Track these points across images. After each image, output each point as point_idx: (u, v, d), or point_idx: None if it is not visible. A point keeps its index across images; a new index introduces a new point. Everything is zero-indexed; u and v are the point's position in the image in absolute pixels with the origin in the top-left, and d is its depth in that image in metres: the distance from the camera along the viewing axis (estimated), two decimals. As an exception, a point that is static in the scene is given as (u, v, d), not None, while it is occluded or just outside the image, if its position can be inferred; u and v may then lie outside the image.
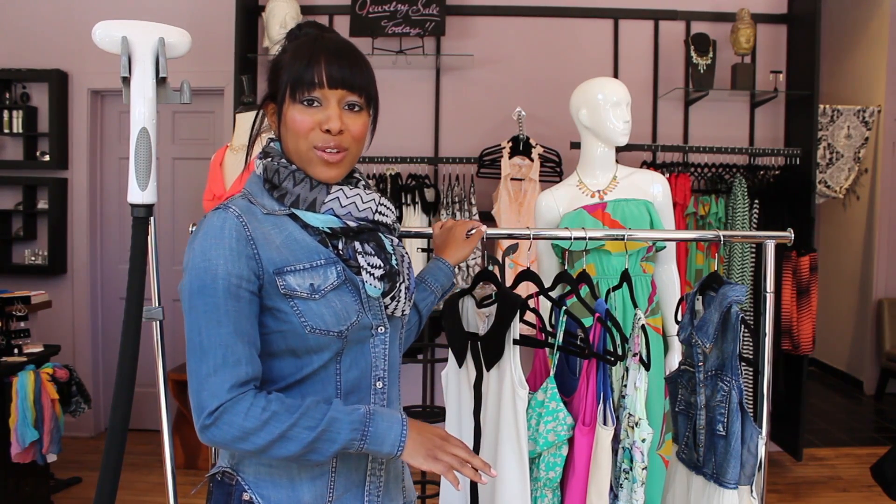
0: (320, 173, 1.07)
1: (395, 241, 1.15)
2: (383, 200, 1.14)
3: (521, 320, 1.65)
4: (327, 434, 0.98)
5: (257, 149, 1.16)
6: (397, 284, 1.11)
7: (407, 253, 1.18)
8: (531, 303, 1.59)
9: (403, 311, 1.14)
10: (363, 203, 1.09)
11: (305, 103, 1.05)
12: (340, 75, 1.05)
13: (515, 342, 1.46)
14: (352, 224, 1.08)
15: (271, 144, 1.12)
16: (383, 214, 1.12)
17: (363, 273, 1.07)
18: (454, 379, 1.58)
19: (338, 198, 1.07)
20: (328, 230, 1.07)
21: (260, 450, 0.97)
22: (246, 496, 1.05)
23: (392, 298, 1.11)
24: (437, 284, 1.41)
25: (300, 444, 0.98)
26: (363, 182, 1.17)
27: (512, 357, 1.45)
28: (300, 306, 1.02)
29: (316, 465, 1.06)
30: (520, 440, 1.43)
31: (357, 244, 1.08)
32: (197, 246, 1.00)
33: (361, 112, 1.09)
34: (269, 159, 1.09)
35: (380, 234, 1.12)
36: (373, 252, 1.09)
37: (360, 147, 1.10)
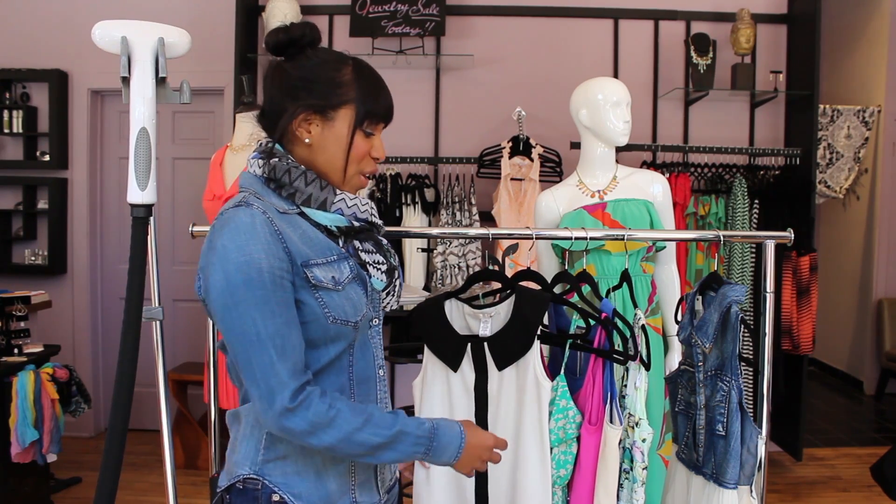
0: (351, 190, 1.16)
1: (384, 240, 1.23)
2: (371, 203, 1.22)
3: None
4: (392, 444, 1.05)
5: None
6: (394, 280, 1.19)
7: (394, 252, 1.26)
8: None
9: (392, 306, 1.22)
10: (363, 205, 1.16)
11: (368, 133, 1.13)
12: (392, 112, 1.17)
13: (537, 337, 1.47)
14: (355, 223, 1.15)
15: (276, 147, 1.13)
16: (375, 216, 1.20)
17: (369, 268, 1.14)
18: (439, 385, 1.54)
19: (343, 198, 1.14)
20: (334, 228, 1.12)
21: (326, 447, 1.02)
22: (276, 497, 1.07)
23: (388, 294, 1.19)
24: None
25: (364, 447, 1.04)
26: None
27: (536, 352, 1.46)
28: (324, 297, 1.06)
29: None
30: (542, 434, 1.44)
31: (357, 242, 1.14)
32: (228, 242, 1.01)
33: None
34: (278, 159, 1.11)
35: (374, 234, 1.19)
36: (373, 249, 1.17)
37: None
